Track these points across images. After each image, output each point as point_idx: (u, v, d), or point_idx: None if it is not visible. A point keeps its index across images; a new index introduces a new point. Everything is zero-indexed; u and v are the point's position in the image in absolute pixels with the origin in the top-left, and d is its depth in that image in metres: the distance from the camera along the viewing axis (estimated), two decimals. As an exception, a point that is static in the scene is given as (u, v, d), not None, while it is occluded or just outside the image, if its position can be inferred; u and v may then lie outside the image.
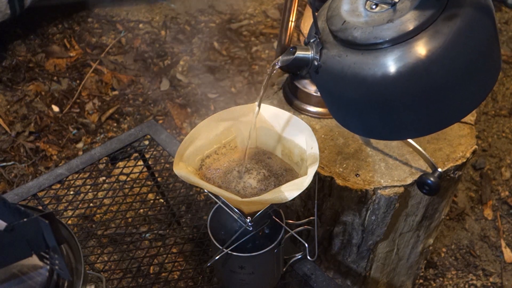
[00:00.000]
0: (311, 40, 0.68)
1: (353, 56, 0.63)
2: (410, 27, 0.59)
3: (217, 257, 0.76)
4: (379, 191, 0.93)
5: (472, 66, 0.60)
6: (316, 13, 0.72)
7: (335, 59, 0.65)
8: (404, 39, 0.59)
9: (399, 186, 0.93)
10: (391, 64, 0.60)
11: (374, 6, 0.63)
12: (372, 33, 0.60)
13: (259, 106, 0.77)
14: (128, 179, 1.13)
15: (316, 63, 0.68)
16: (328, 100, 0.73)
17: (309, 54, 0.68)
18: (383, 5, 0.62)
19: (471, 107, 0.64)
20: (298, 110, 1.08)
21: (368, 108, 0.65)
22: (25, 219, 0.49)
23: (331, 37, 0.66)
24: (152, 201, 1.18)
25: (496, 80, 0.64)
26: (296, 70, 1.05)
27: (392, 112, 0.64)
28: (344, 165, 0.97)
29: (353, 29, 0.62)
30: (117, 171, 1.50)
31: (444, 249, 1.50)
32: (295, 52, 0.68)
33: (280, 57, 0.72)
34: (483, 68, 0.61)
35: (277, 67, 0.73)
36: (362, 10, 0.64)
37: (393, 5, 0.61)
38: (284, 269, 0.88)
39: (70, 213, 1.17)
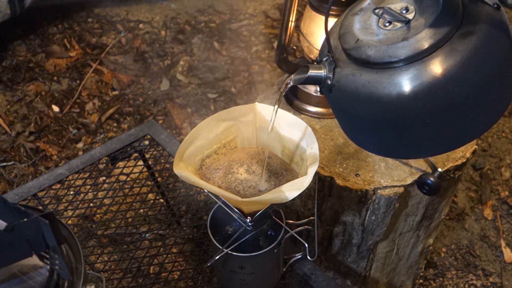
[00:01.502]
0: (324, 59, 0.67)
1: (367, 75, 0.61)
2: (425, 45, 0.57)
3: (217, 257, 0.76)
4: (379, 191, 0.93)
5: (489, 83, 0.59)
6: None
7: (349, 78, 0.64)
8: (419, 57, 0.58)
9: (399, 186, 0.93)
10: (406, 83, 0.58)
11: (387, 24, 0.61)
12: (387, 51, 0.59)
13: (273, 119, 0.77)
14: (128, 179, 1.13)
15: (329, 82, 0.66)
16: (342, 119, 0.72)
17: (322, 72, 0.67)
18: (397, 23, 0.61)
19: (488, 125, 0.63)
20: (298, 110, 1.08)
21: (383, 127, 0.64)
22: (25, 219, 0.50)
23: (344, 56, 0.65)
24: (152, 201, 1.18)
25: None
26: (297, 69, 1.05)
27: (408, 131, 0.63)
28: (344, 165, 0.97)
29: (366, 47, 0.61)
30: (117, 171, 1.50)
31: (444, 249, 1.50)
32: (307, 71, 0.67)
33: (292, 76, 0.70)
34: (499, 85, 0.60)
35: (289, 86, 0.72)
36: (375, 28, 0.63)
37: (407, 22, 0.60)
38: (284, 269, 0.88)
39: (70, 213, 1.17)
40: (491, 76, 0.59)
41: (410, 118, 0.61)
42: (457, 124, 0.61)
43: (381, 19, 0.63)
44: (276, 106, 0.75)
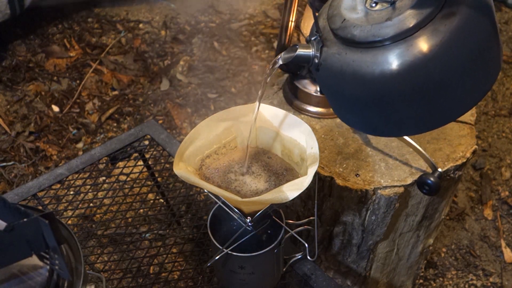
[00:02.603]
0: (312, 38, 0.69)
1: (352, 54, 0.63)
2: (408, 25, 0.59)
3: (217, 257, 0.76)
4: (379, 191, 0.93)
5: (471, 63, 0.61)
6: (317, 13, 0.72)
7: (335, 57, 0.65)
8: (402, 37, 0.59)
9: (399, 186, 0.93)
10: (389, 62, 0.60)
11: (374, 4, 0.63)
12: (371, 31, 0.61)
13: (258, 104, 0.77)
14: (128, 179, 1.13)
15: (316, 60, 0.68)
16: (329, 97, 0.73)
17: (310, 51, 0.69)
18: (383, 4, 0.62)
19: (470, 104, 0.65)
20: (298, 110, 1.08)
21: (368, 105, 0.66)
22: (25, 219, 0.49)
23: (332, 35, 0.67)
24: (152, 201, 1.18)
25: (496, 77, 0.64)
26: (297, 69, 1.05)
27: (391, 109, 0.65)
28: (344, 165, 0.97)
29: (352, 27, 0.63)
30: (117, 171, 1.50)
31: (444, 249, 1.50)
32: (296, 49, 0.69)
33: (282, 54, 0.72)
34: (481, 66, 0.62)
35: (278, 64, 0.73)
36: (362, 8, 0.64)
37: (392, 3, 0.61)
38: (284, 269, 0.87)
39: (70, 213, 1.17)
40: (472, 57, 0.60)
41: (392, 96, 0.63)
42: (438, 103, 0.62)
43: (368, 0, 0.64)
44: (262, 90, 0.76)
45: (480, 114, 1.92)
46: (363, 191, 0.93)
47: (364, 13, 0.63)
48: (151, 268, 1.24)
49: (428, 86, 0.61)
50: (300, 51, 0.69)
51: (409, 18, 0.59)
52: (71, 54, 2.12)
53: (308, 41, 0.70)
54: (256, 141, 0.83)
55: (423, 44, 0.59)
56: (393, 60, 0.60)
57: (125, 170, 1.16)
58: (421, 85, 0.61)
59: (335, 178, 0.95)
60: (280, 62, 0.73)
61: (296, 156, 0.79)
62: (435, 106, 0.63)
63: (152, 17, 2.34)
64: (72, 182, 1.08)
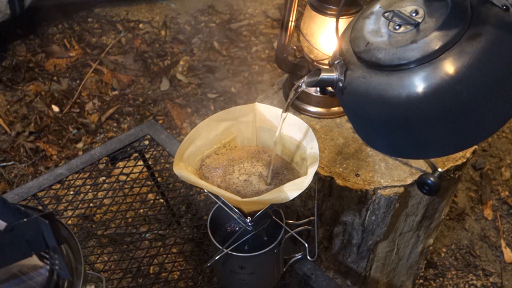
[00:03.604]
0: (335, 62, 0.68)
1: (378, 77, 0.62)
2: (434, 47, 0.58)
3: (217, 257, 0.76)
4: (379, 191, 0.93)
5: (498, 85, 0.60)
6: (340, 35, 0.72)
7: (360, 81, 0.65)
8: (428, 59, 0.59)
9: (399, 186, 0.93)
10: (415, 85, 0.59)
11: (397, 27, 0.63)
12: (396, 54, 0.60)
13: (279, 132, 0.77)
14: (128, 179, 1.13)
15: (340, 84, 0.68)
16: (354, 120, 0.73)
17: (333, 75, 0.68)
18: (407, 26, 0.62)
19: (497, 126, 0.63)
20: (298, 110, 1.08)
21: (394, 129, 0.65)
22: (25, 219, 0.49)
23: (355, 59, 0.66)
24: (152, 201, 1.18)
25: None
26: (296, 69, 1.05)
27: (418, 132, 0.64)
28: (344, 165, 0.97)
29: (376, 50, 0.62)
30: (117, 171, 1.50)
31: (444, 249, 1.50)
32: (319, 73, 0.69)
33: (305, 78, 0.72)
34: (508, 86, 0.61)
35: (301, 89, 0.73)
36: (385, 31, 0.64)
37: (417, 25, 0.61)
38: (284, 269, 0.88)
39: (70, 213, 1.17)
40: (499, 77, 0.59)
41: (419, 119, 0.62)
42: (466, 125, 0.61)
43: (391, 23, 0.63)
44: (286, 114, 0.76)
45: (480, 114, 1.91)
46: (363, 191, 0.93)
47: (388, 36, 0.63)
48: (151, 268, 1.24)
49: (455, 109, 0.60)
50: (324, 75, 0.68)
51: (435, 40, 0.58)
52: (71, 54, 2.12)
53: (331, 64, 0.70)
54: (256, 141, 0.83)
55: (449, 67, 0.58)
56: (419, 83, 0.59)
57: (125, 170, 1.16)
58: (447, 108, 0.60)
59: (335, 178, 0.95)
60: (304, 86, 0.72)
61: (296, 156, 0.79)
62: (462, 129, 0.62)
63: (152, 17, 2.34)
64: (72, 182, 1.08)
